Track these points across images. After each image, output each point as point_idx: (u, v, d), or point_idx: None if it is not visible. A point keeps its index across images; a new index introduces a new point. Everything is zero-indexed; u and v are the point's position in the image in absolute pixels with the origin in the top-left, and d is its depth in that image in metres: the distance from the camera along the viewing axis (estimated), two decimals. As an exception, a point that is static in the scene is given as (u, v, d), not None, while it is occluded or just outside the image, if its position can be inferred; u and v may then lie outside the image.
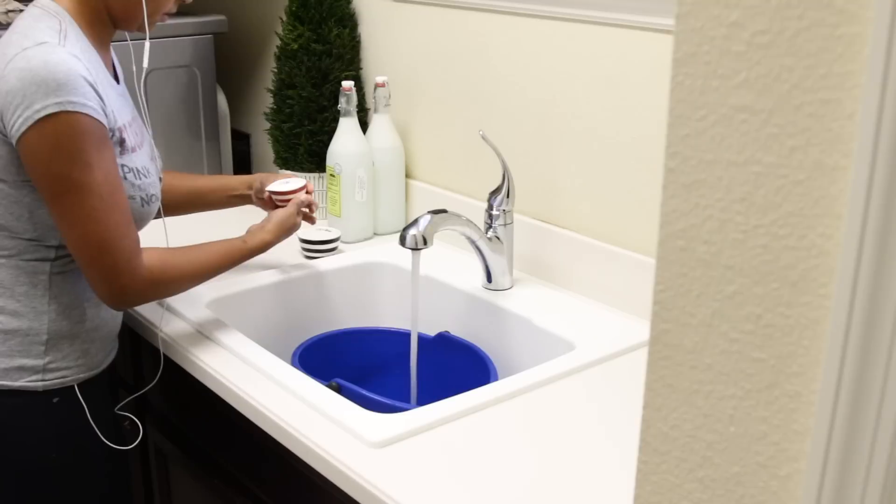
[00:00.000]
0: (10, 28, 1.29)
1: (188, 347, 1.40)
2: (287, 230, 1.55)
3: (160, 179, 1.46)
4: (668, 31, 1.36)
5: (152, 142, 1.47)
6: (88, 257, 1.27)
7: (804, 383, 0.55)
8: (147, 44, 1.40)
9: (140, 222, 1.37)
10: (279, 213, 1.55)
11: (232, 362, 1.36)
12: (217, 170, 2.19)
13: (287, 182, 1.62)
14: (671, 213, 0.60)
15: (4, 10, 1.91)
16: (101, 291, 1.30)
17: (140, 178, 1.34)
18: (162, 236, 1.42)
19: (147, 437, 1.64)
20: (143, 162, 1.36)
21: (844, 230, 0.51)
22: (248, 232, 1.52)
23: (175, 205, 1.62)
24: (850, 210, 0.50)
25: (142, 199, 1.35)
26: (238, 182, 1.68)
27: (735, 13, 0.54)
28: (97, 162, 1.23)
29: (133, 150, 1.34)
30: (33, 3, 1.31)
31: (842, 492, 0.54)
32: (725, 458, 0.61)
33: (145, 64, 1.39)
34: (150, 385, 1.50)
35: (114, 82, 1.36)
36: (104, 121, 1.24)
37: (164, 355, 1.44)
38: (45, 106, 1.18)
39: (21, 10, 2.01)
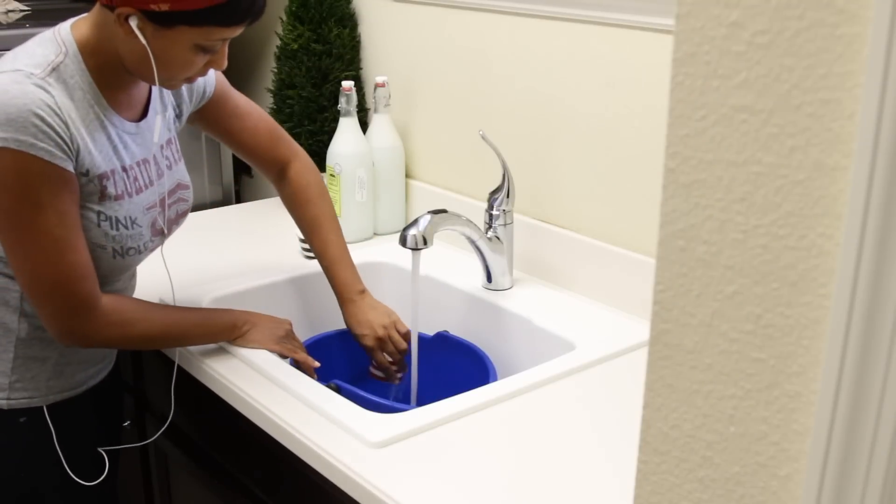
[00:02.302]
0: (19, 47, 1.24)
1: (188, 348, 1.40)
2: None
3: (169, 225, 1.37)
4: (668, 31, 1.36)
5: (168, 190, 1.36)
6: (40, 295, 1.22)
7: (804, 383, 0.55)
8: (159, 119, 1.33)
9: (111, 274, 1.30)
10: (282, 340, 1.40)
11: (232, 362, 1.36)
12: (217, 170, 2.19)
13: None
14: (671, 213, 0.60)
15: (4, 10, 1.91)
16: (51, 329, 1.25)
17: (117, 229, 1.26)
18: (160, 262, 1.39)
19: (146, 438, 1.64)
20: (129, 212, 1.27)
21: (844, 230, 0.50)
22: (245, 316, 1.39)
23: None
24: (850, 210, 0.50)
25: (115, 250, 1.27)
26: (345, 308, 1.51)
27: (735, 13, 0.54)
28: (49, 202, 1.17)
29: (118, 197, 1.26)
30: (56, 26, 1.25)
31: (842, 492, 0.54)
32: (725, 458, 0.61)
33: (156, 139, 1.33)
34: (162, 430, 1.46)
35: (120, 123, 1.27)
36: (61, 162, 1.16)
37: (167, 357, 1.44)
38: None
39: (21, 11, 2.01)
